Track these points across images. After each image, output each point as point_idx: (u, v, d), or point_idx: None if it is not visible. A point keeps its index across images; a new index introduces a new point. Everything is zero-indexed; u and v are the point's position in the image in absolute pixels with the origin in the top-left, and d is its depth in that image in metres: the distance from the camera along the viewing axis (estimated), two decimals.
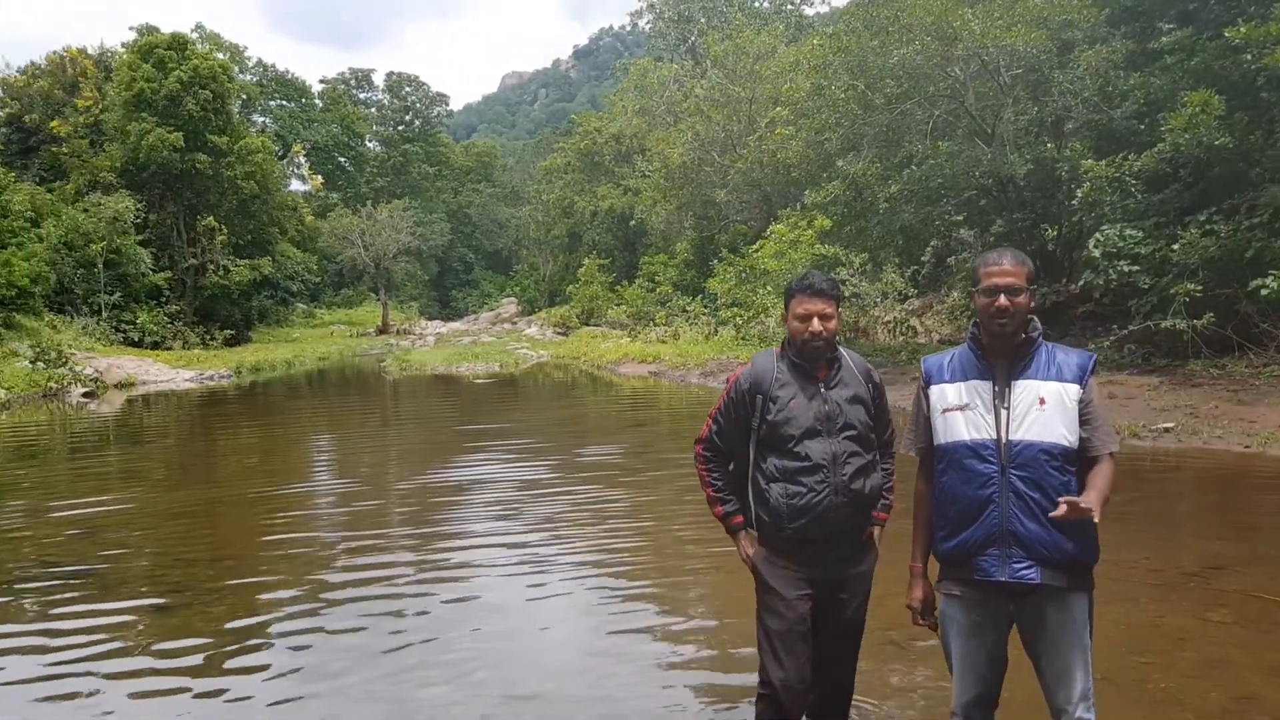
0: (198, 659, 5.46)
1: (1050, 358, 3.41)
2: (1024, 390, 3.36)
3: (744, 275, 29.64)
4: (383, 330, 56.49)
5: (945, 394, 3.49)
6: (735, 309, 29.57)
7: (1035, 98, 19.05)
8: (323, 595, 6.59)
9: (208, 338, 41.96)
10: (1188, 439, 11.54)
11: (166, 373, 31.04)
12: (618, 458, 12.67)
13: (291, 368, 36.26)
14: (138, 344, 37.56)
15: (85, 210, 38.43)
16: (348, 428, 17.95)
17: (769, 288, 26.81)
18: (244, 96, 61.55)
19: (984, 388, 3.41)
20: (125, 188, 41.19)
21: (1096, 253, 16.11)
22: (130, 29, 71.16)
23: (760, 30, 44.30)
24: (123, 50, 46.38)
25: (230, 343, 43.01)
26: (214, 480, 12.09)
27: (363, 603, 6.42)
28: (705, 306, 35.65)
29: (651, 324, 37.87)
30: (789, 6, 58.14)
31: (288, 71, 75.22)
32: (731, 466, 4.02)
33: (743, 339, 28.46)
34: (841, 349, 3.95)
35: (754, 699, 3.97)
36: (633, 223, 52.02)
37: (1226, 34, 15.11)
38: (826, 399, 3.80)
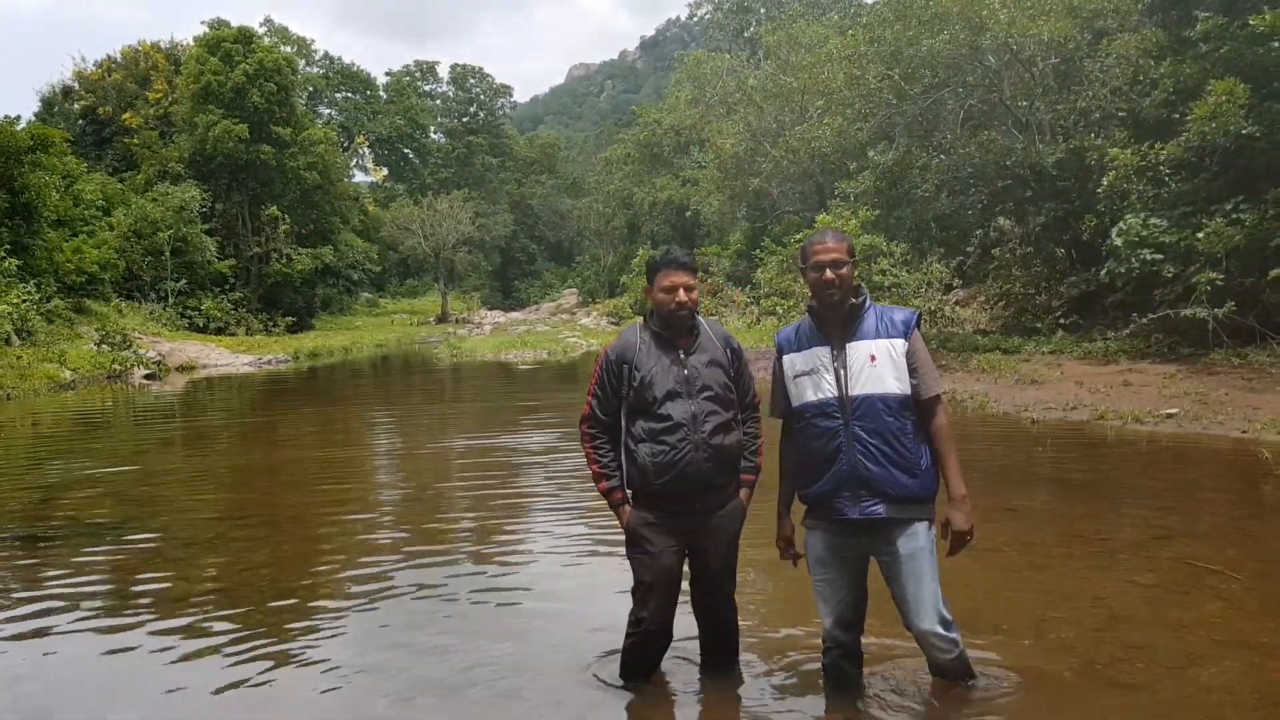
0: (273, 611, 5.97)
1: (879, 318, 3.92)
2: (857, 350, 3.87)
3: (786, 265, 29.77)
4: (442, 319, 57.52)
5: (794, 362, 4.00)
6: (776, 299, 29.71)
7: (1067, 86, 19.00)
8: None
9: (270, 324, 43.21)
10: (1188, 425, 11.59)
11: (227, 357, 32.17)
12: None
13: (349, 354, 37.26)
14: (202, 330, 38.88)
15: (154, 200, 39.84)
16: (384, 406, 18.59)
17: None
18: (309, 89, 63.10)
19: (823, 353, 3.92)
20: (193, 178, 42.59)
21: (1119, 241, 16.09)
22: (201, 23, 73.13)
23: (814, 21, 44.21)
24: (192, 44, 47.83)
25: (292, 329, 44.23)
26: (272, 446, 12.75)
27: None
28: (750, 296, 35.80)
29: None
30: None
31: (353, 64, 76.72)
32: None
33: (783, 325, 28.59)
34: (700, 319, 4.27)
35: None
36: (688, 214, 52.25)
37: (1251, 21, 15.01)
38: (686, 364, 4.14)
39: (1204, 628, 5.08)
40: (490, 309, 69.49)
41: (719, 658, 4.49)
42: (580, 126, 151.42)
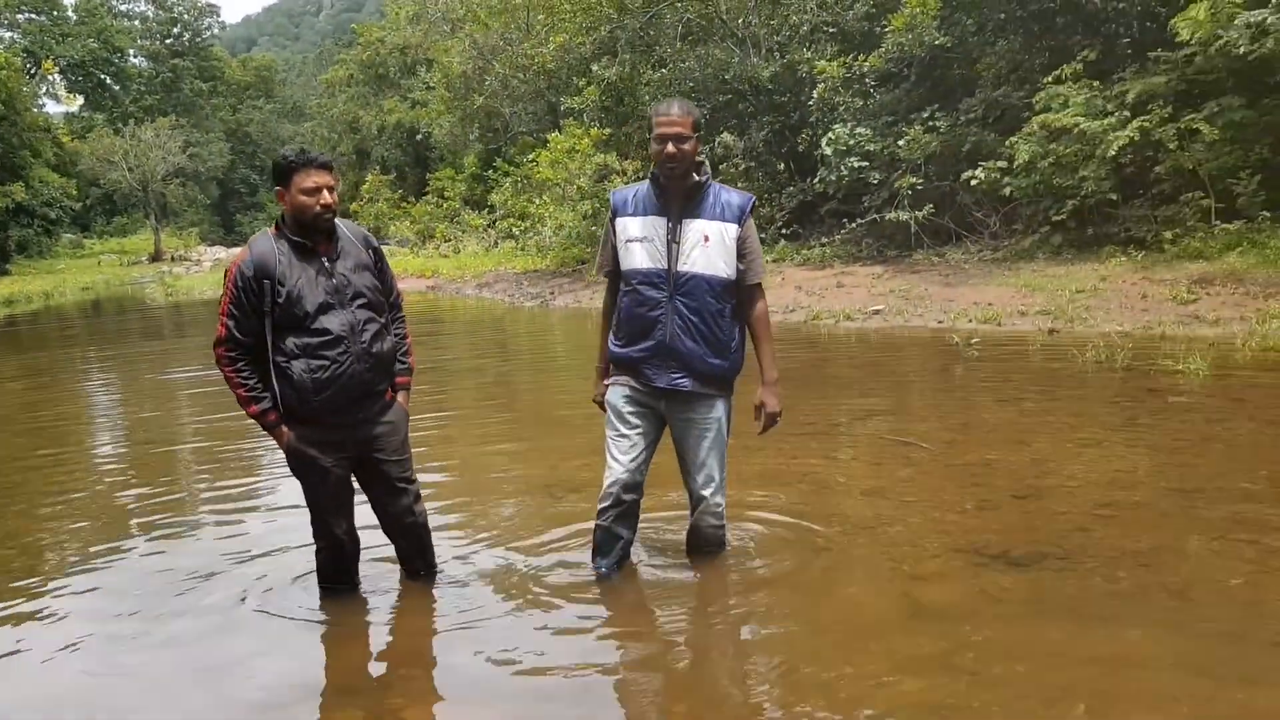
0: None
1: (717, 199, 3.98)
2: (692, 228, 3.93)
3: (521, 186, 29.56)
4: (156, 258, 53.61)
5: (629, 226, 4.02)
6: (513, 220, 29.51)
7: (778, 0, 19.61)
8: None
9: None
10: (893, 319, 12.43)
11: None
12: None
13: (50, 299, 34.10)
14: None
15: None
16: (91, 357, 17.16)
17: (545, 197, 26.85)
18: None
19: (660, 224, 3.95)
20: None
21: (829, 150, 16.89)
22: None
23: None
24: None
25: None
26: None
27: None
28: (486, 219, 35.38)
29: (433, 239, 37.36)
30: None
31: None
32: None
33: (521, 249, 28.47)
34: (338, 220, 3.98)
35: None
36: (419, 137, 50.72)
37: None
38: (332, 272, 3.88)
39: (894, 492, 5.47)
40: (211, 245, 65.37)
41: (419, 565, 4.39)
42: (299, 49, 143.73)
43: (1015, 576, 4.18)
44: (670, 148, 3.80)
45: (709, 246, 3.90)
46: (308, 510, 4.12)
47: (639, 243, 3.96)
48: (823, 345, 11.50)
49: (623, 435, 4.08)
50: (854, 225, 17.04)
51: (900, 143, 16.28)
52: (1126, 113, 13.70)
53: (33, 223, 48.56)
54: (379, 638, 4.11)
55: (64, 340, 20.56)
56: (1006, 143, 14.92)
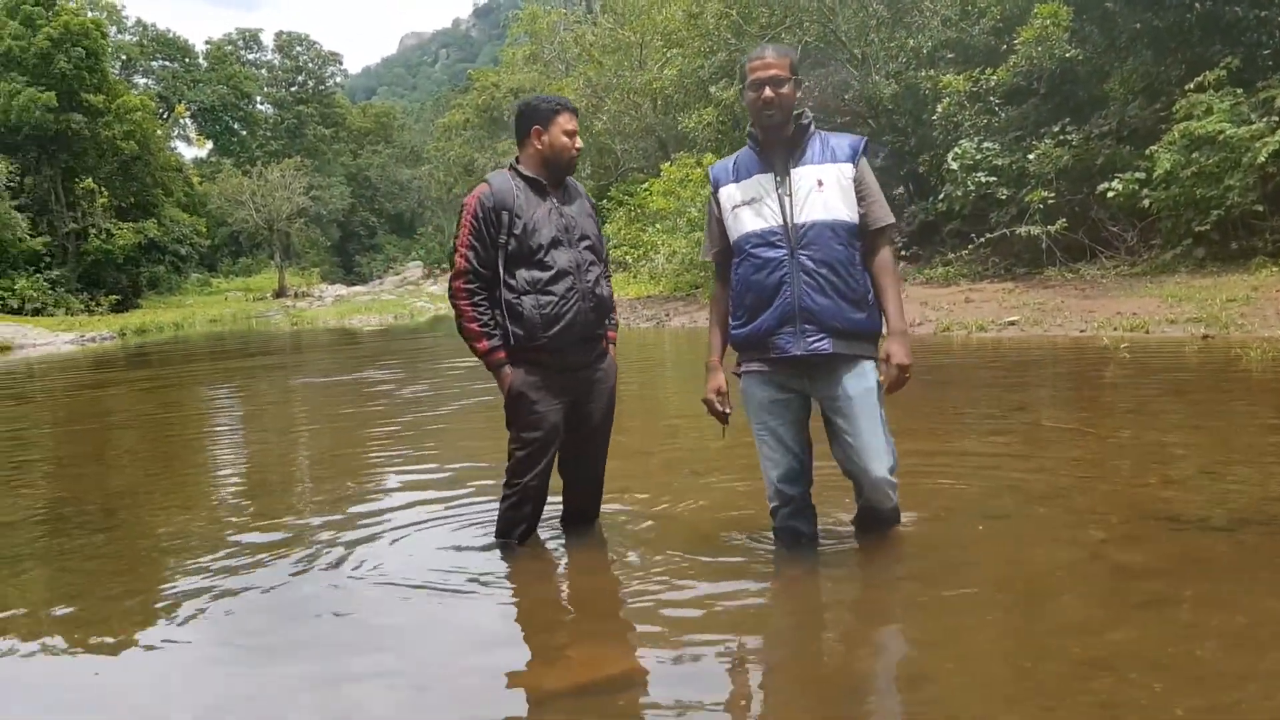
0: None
1: (824, 143, 3.58)
2: (802, 176, 3.52)
3: (634, 216, 29.69)
4: (280, 294, 55.34)
5: (732, 193, 3.64)
6: (627, 248, 29.62)
7: (899, 20, 19.36)
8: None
9: (92, 304, 40.75)
10: (1030, 329, 11.96)
11: (46, 336, 30.11)
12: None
13: (180, 329, 35.39)
14: (17, 312, 36.35)
15: None
16: (226, 378, 17.64)
17: (658, 226, 26.93)
18: (123, 56, 59.57)
19: (766, 180, 3.56)
20: None
21: (955, 165, 16.50)
22: None
23: None
24: None
25: (117, 309, 41.78)
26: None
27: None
28: None
29: None
30: None
31: (169, 30, 72.78)
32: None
33: (634, 277, 28.55)
34: None
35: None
36: None
37: None
38: (562, 212, 3.98)
39: (1066, 469, 5.12)
40: (331, 284, 67.29)
41: (585, 516, 4.36)
42: (416, 97, 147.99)
43: (1217, 538, 3.84)
44: (767, 91, 3.45)
45: (825, 190, 3.49)
46: (508, 457, 4.07)
47: (746, 206, 3.58)
48: (959, 352, 11.09)
49: (768, 428, 3.67)
50: (980, 242, 16.56)
51: (1030, 156, 15.81)
52: (1276, 118, 13.05)
53: (164, 259, 50.61)
54: (543, 587, 3.95)
55: (216, 355, 21.21)
56: (1145, 153, 14.35)
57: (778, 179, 3.54)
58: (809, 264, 3.47)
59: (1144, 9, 15.69)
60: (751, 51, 3.65)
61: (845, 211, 3.50)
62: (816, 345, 3.48)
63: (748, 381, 3.69)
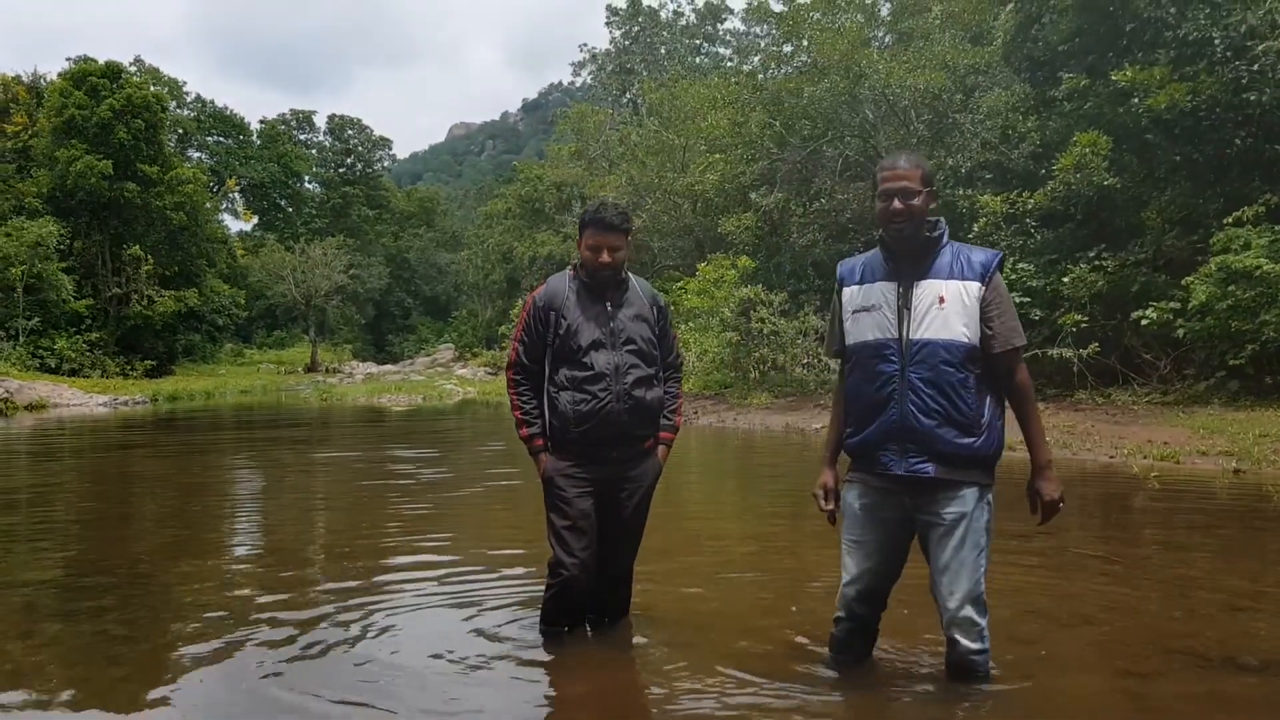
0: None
1: (955, 257, 3.46)
2: (925, 290, 3.42)
3: (671, 316, 29.91)
4: (311, 369, 55.81)
5: (854, 296, 3.58)
6: None
7: (940, 139, 19.69)
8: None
9: (128, 368, 41.22)
10: (1059, 451, 11.86)
11: (80, 397, 30.47)
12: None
13: (211, 398, 35.71)
14: (55, 370, 36.85)
15: (7, 234, 37.82)
16: (241, 444, 17.77)
17: (690, 324, 27.14)
18: (179, 131, 61.28)
19: (889, 289, 3.48)
20: (51, 214, 40.62)
21: None
22: (67, 60, 70.45)
23: (695, 82, 45.09)
24: (56, 78, 46.04)
25: (151, 374, 42.21)
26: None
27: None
28: None
29: None
30: (728, 64, 59.32)
31: (226, 108, 74.95)
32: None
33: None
34: (630, 275, 4.24)
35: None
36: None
37: (1113, 76, 15.80)
38: (612, 316, 4.11)
39: (1092, 598, 5.08)
40: (363, 361, 67.85)
41: (612, 611, 4.41)
42: (460, 185, 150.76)
43: (1246, 678, 3.78)
44: (897, 204, 3.38)
45: (945, 308, 3.36)
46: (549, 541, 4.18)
47: (866, 312, 3.49)
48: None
49: (856, 541, 3.58)
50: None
51: (1065, 280, 15.90)
52: None
53: (201, 328, 51.31)
54: (577, 674, 3.95)
55: (220, 441, 21.38)
56: (1181, 283, 14.41)
57: (901, 289, 3.45)
58: (918, 383, 3.38)
59: (1184, 142, 15.92)
60: (883, 160, 3.60)
61: (963, 332, 3.37)
62: (919, 467, 3.39)
63: (849, 491, 3.63)
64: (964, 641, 3.44)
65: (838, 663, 3.79)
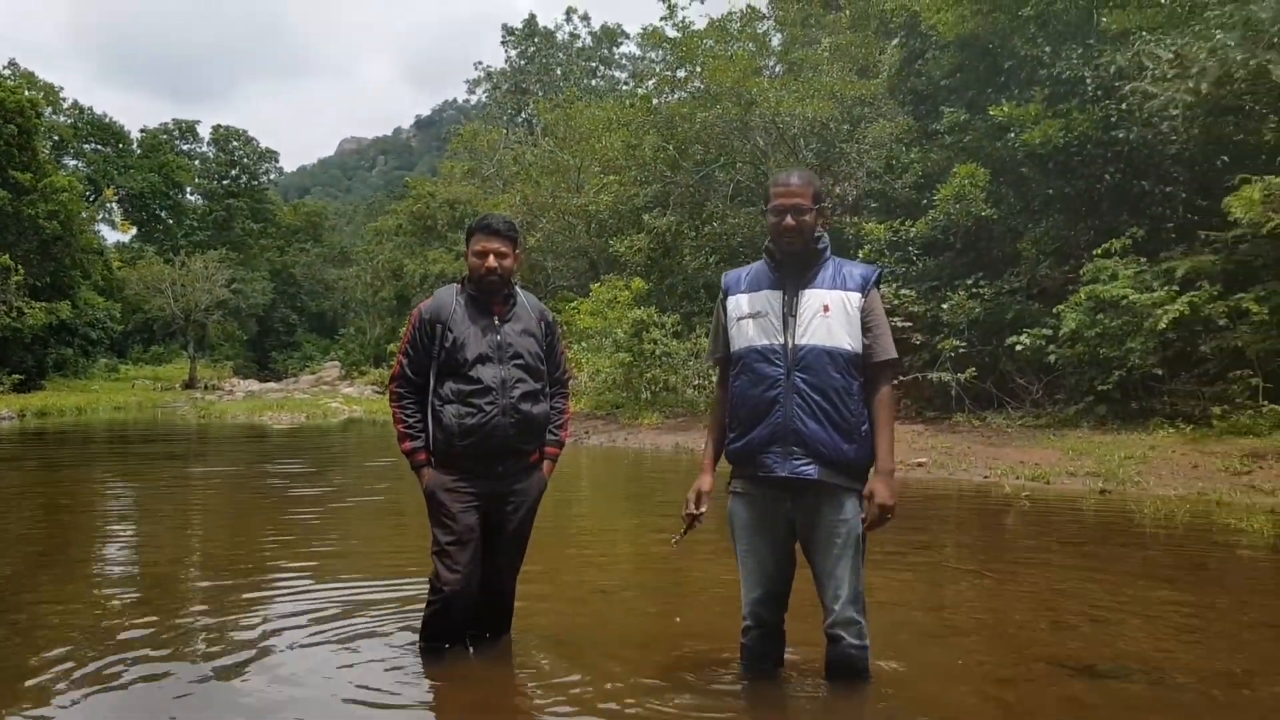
0: None
1: (838, 270, 3.61)
2: (810, 299, 3.56)
3: (560, 333, 29.90)
4: (189, 385, 54.06)
5: (740, 304, 3.69)
6: None
7: (828, 168, 20.19)
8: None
9: None
10: (936, 470, 12.26)
11: None
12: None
13: (83, 414, 34.32)
14: None
15: None
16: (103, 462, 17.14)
17: (583, 344, 27.16)
18: (55, 137, 59.00)
19: (775, 297, 3.61)
20: None
21: None
22: None
23: (591, 104, 45.31)
24: None
25: (19, 389, 40.37)
26: None
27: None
28: None
29: None
30: (623, 87, 59.72)
31: (105, 115, 72.38)
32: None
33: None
34: (519, 289, 4.25)
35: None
36: None
37: (991, 111, 16.44)
38: (499, 330, 4.12)
39: (963, 609, 5.27)
40: (244, 379, 65.94)
41: (493, 627, 4.37)
42: (349, 200, 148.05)
43: (1106, 685, 3.97)
44: (789, 220, 3.52)
45: (829, 316, 3.51)
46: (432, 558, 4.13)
47: (751, 319, 3.61)
48: None
49: (749, 551, 3.67)
50: (895, 383, 17.01)
51: (944, 306, 16.43)
52: (1175, 288, 13.79)
53: (73, 342, 49.27)
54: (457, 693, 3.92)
55: (90, 458, 20.58)
56: (1053, 311, 15.02)
57: (786, 298, 3.58)
58: (804, 387, 3.49)
59: (1057, 176, 16.64)
60: (777, 175, 3.72)
61: (847, 340, 3.51)
62: (803, 469, 3.49)
63: (734, 502, 3.71)
64: (847, 638, 3.57)
65: (751, 676, 3.82)
